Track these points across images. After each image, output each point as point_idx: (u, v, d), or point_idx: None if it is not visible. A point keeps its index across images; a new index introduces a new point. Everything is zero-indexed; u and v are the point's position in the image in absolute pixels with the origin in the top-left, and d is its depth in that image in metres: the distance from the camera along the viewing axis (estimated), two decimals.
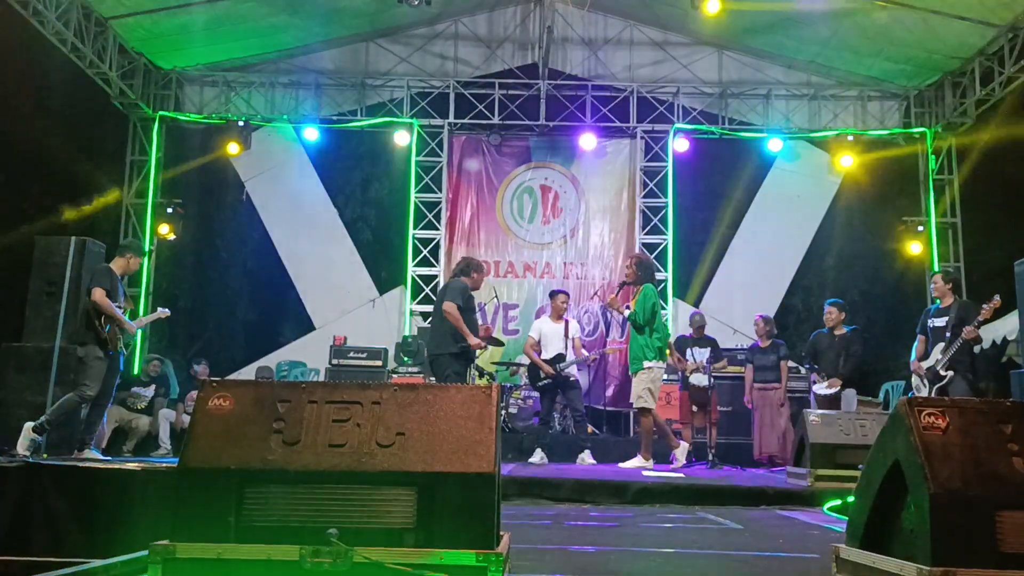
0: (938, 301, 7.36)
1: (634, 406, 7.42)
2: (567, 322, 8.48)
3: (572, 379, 8.41)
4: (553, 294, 8.73)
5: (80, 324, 6.43)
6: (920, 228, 11.63)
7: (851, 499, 4.84)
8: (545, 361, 8.28)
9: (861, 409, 8.56)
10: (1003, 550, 2.19)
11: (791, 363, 8.99)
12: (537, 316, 10.68)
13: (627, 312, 7.43)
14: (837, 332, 8.22)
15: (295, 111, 12.10)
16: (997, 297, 6.73)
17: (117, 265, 6.61)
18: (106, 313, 6.26)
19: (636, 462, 7.40)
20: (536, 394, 9.69)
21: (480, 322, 11.66)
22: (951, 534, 2.18)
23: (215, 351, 11.64)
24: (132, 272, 6.76)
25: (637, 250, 11.73)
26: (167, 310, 7.57)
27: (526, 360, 10.44)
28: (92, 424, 6.54)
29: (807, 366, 8.61)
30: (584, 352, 8.84)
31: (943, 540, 2.18)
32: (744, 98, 12.19)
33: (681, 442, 7.61)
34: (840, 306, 8.34)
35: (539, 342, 8.48)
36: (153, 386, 9.61)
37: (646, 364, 7.23)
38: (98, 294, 6.24)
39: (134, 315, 6.69)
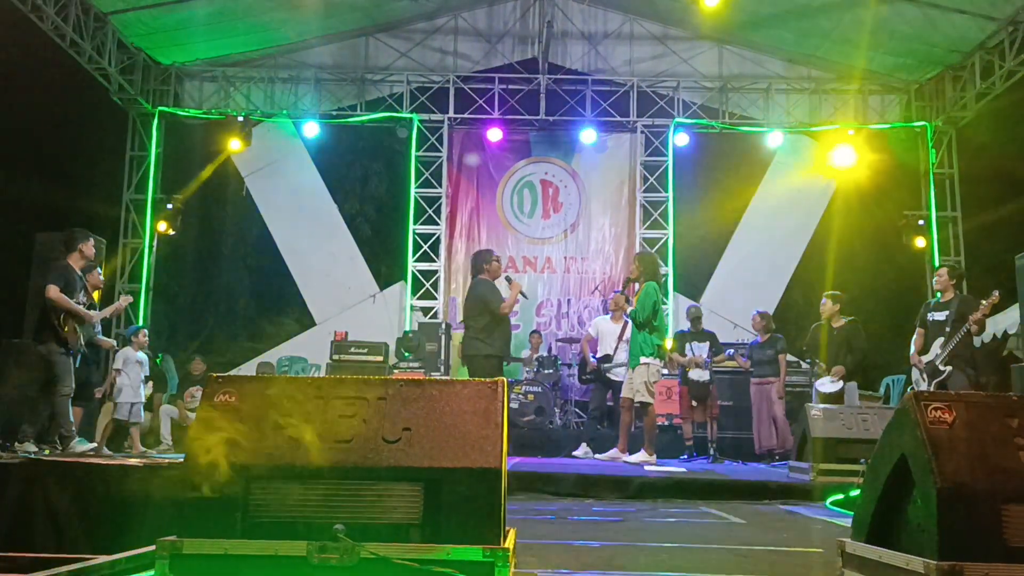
0: (938, 294, 7.36)
1: (634, 401, 7.43)
2: (626, 323, 8.39)
3: (614, 380, 8.44)
4: (613, 294, 9.09)
5: (39, 322, 6.31)
6: (921, 222, 11.62)
7: (853, 493, 4.88)
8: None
9: (862, 403, 8.57)
10: (1010, 544, 2.18)
11: (790, 356, 8.97)
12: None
13: (629, 310, 7.54)
14: (835, 324, 8.19)
15: (295, 106, 12.07)
16: (996, 293, 6.70)
17: (73, 259, 6.44)
18: (64, 309, 6.18)
19: (640, 456, 7.43)
20: (537, 389, 9.77)
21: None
22: (958, 528, 2.18)
23: (216, 347, 11.62)
24: (91, 257, 6.49)
25: (638, 245, 11.74)
26: (130, 297, 7.51)
27: (527, 354, 10.61)
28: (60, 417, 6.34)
29: (807, 361, 8.59)
30: None
31: (950, 534, 2.17)
32: (744, 92, 12.16)
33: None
34: (834, 297, 8.30)
35: (595, 338, 8.86)
36: (151, 383, 9.57)
37: (643, 360, 7.30)
38: (53, 291, 6.12)
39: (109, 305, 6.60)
